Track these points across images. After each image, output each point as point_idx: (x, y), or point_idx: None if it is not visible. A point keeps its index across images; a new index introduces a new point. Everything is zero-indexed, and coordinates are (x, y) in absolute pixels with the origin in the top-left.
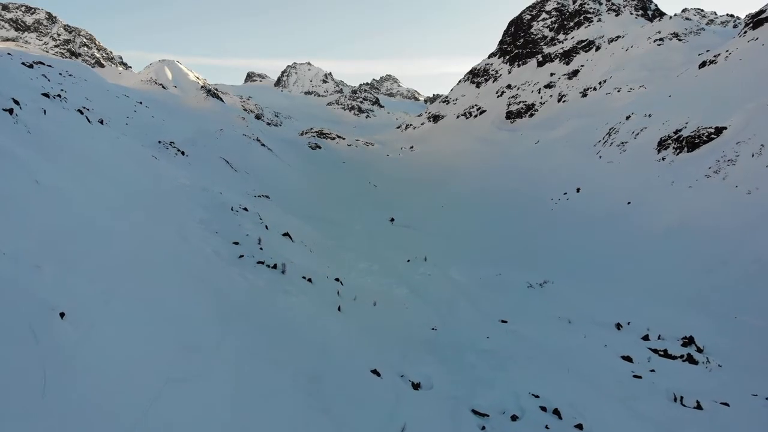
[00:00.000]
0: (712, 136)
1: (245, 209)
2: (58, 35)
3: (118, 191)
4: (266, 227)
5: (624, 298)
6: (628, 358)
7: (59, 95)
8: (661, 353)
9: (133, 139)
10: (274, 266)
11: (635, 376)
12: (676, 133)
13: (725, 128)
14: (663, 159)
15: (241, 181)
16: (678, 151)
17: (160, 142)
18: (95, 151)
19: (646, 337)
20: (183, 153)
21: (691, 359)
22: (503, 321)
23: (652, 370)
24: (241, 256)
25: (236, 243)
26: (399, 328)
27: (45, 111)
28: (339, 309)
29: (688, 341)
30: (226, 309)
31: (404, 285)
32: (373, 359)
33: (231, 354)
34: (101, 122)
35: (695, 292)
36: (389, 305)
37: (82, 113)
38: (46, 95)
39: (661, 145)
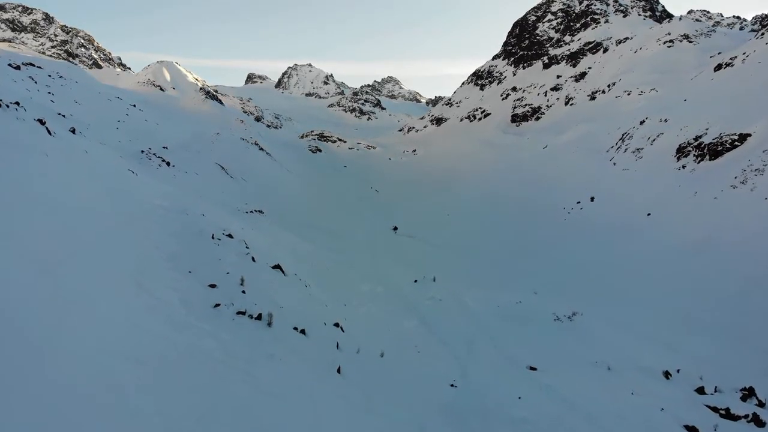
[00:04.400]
0: (736, 143)
1: (230, 236)
2: (55, 36)
3: (59, 230)
4: (253, 259)
5: (659, 329)
6: (693, 429)
7: (17, 102)
8: (723, 413)
9: (111, 149)
10: (259, 316)
11: None
12: (696, 139)
13: (749, 135)
14: (683, 167)
15: (234, 192)
16: (699, 158)
17: (143, 151)
18: (45, 174)
19: (701, 390)
20: (168, 163)
21: (757, 420)
22: (532, 368)
23: None
24: (217, 305)
25: (213, 286)
26: (412, 387)
27: None
28: (339, 371)
29: (748, 393)
30: (185, 415)
31: (413, 314)
32: None
33: None
34: (73, 131)
35: (732, 320)
36: (399, 351)
37: (43, 123)
38: None
39: (681, 152)
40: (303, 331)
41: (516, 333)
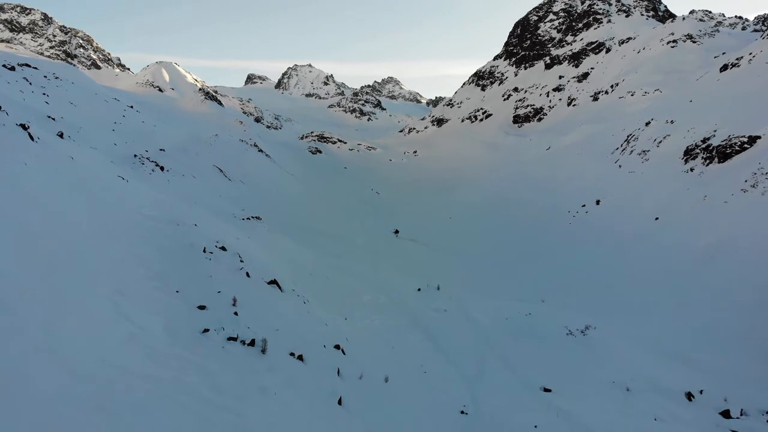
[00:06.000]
0: (746, 145)
1: (223, 248)
2: (54, 36)
3: (29, 250)
4: (247, 274)
5: (675, 342)
6: None
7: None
8: None
9: (102, 154)
10: (252, 342)
11: None
12: (704, 141)
13: (759, 137)
14: (691, 170)
15: (231, 196)
16: (707, 161)
17: (135, 155)
18: (20, 186)
19: (726, 414)
20: (162, 168)
21: None
22: (546, 389)
23: None
24: (206, 331)
25: (202, 307)
26: (420, 416)
27: None
28: (340, 402)
29: None
30: None
31: (418, 328)
32: None
33: None
34: (60, 136)
35: (749, 331)
36: (404, 373)
37: (25, 128)
38: None
39: (688, 154)
40: (300, 357)
41: (527, 349)
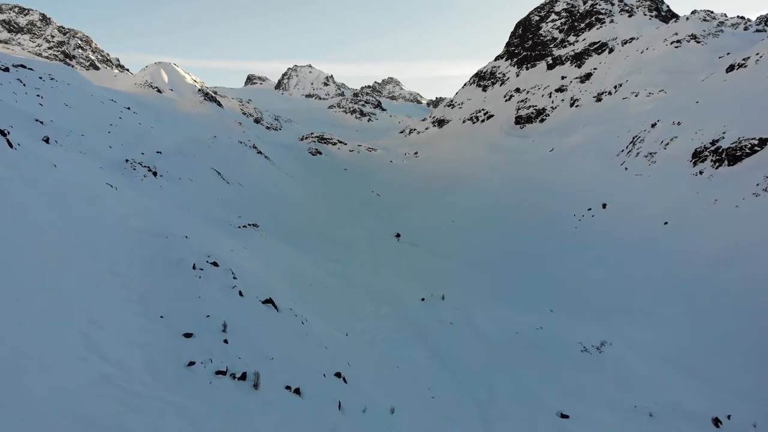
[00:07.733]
0: (756, 148)
1: (215, 264)
2: (52, 37)
3: None
4: (240, 293)
5: (693, 357)
6: None
7: None
8: None
9: (91, 159)
10: (243, 376)
11: None
12: (713, 143)
13: None
14: (700, 173)
15: (229, 201)
16: (717, 164)
17: (127, 160)
18: None
19: None
20: (155, 173)
21: None
22: (564, 415)
23: None
24: (192, 364)
25: (188, 335)
26: None
27: None
28: None
29: None
30: None
31: (423, 343)
32: None
33: None
34: (47, 141)
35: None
36: (411, 399)
37: (4, 134)
38: None
39: (697, 156)
40: (297, 391)
41: (540, 368)
